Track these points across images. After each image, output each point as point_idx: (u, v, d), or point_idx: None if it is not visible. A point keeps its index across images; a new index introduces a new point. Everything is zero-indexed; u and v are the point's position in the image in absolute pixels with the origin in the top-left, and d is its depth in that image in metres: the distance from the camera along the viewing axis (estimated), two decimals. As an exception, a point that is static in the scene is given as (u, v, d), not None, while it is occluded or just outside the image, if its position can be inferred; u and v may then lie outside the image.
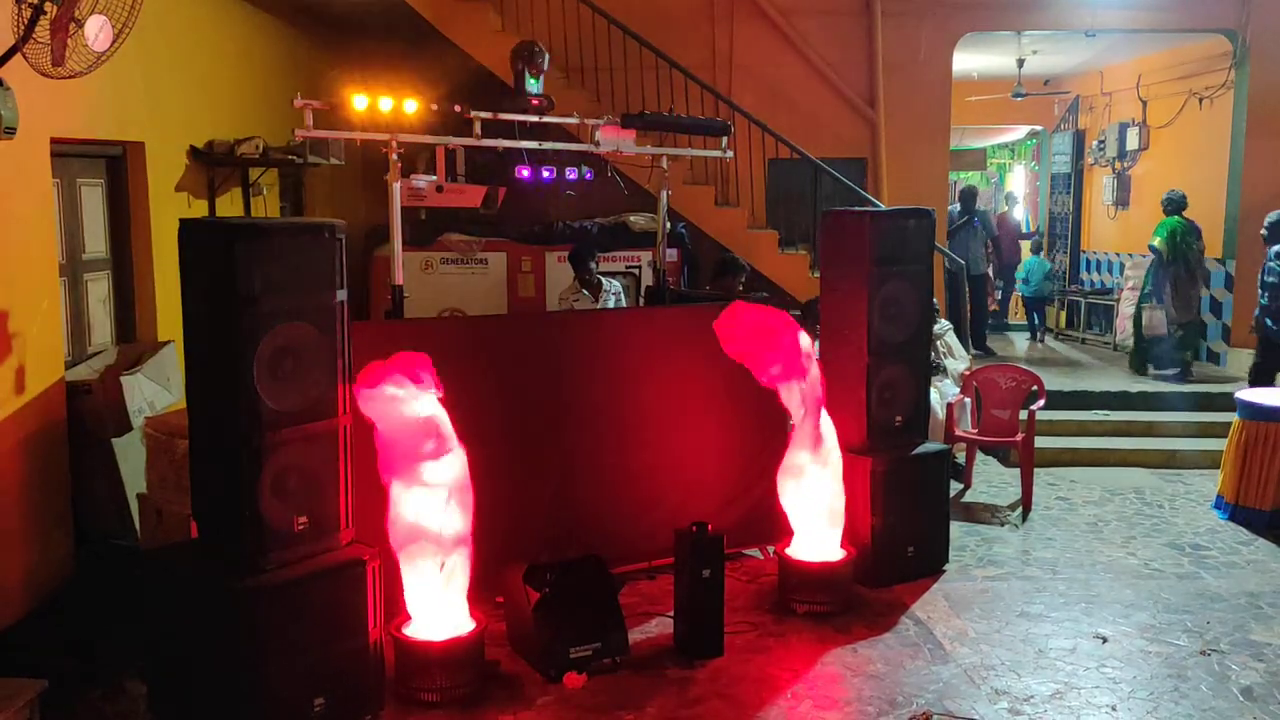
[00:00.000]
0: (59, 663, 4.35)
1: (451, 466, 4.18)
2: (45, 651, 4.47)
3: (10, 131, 4.44)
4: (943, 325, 8.55)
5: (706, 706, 4.27)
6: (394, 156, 4.95)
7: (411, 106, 4.93)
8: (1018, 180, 17.41)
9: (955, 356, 8.42)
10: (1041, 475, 7.50)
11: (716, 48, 9.78)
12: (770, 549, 5.77)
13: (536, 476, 5.22)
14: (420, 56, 8.93)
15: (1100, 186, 13.18)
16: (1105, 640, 4.95)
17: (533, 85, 5.59)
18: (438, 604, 4.29)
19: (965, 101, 13.00)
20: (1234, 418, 6.94)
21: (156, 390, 5.63)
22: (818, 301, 6.21)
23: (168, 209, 6.30)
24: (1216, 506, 6.99)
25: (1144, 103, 12.02)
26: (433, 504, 4.16)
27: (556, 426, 5.28)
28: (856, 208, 7.47)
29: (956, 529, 6.33)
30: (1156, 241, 9.84)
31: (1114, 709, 4.29)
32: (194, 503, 4.00)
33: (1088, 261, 13.62)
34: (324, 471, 3.95)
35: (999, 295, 13.49)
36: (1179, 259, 9.67)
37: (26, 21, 4.00)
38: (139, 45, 4.68)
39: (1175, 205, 9.83)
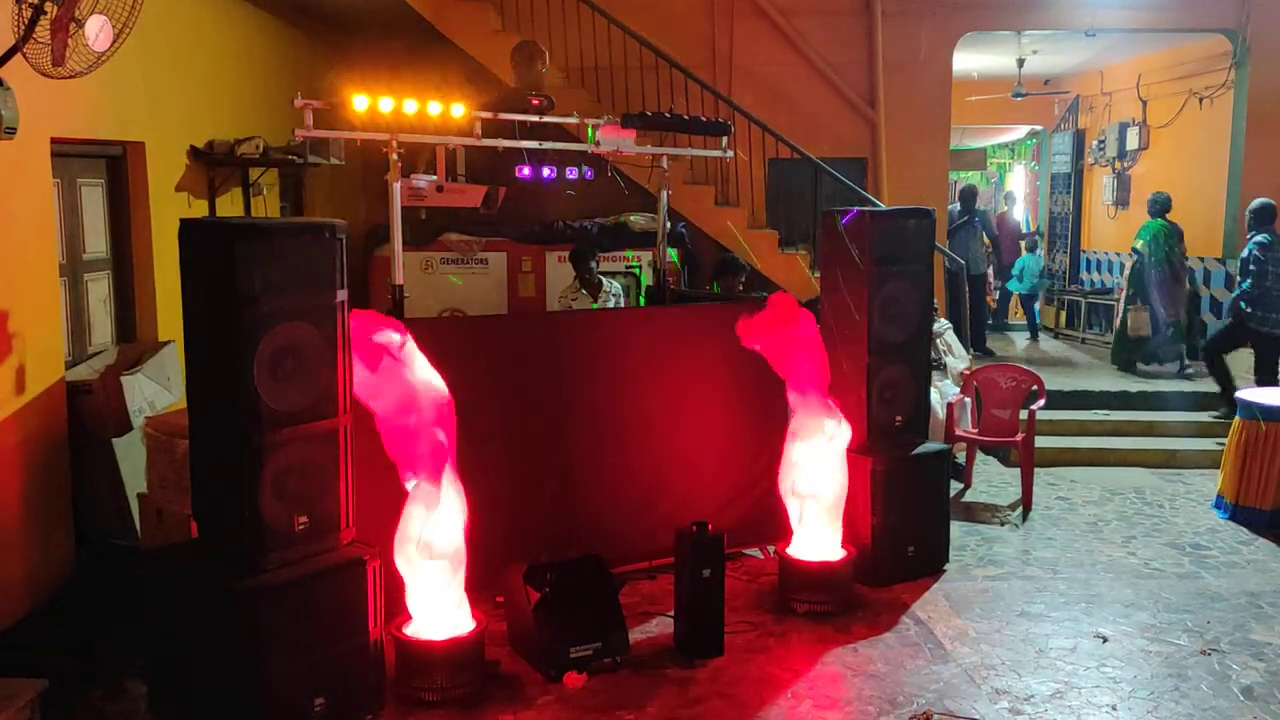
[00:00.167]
0: (59, 663, 4.34)
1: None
2: (45, 651, 4.47)
3: (10, 131, 4.44)
4: (942, 324, 8.55)
5: (707, 706, 4.27)
6: (394, 156, 4.95)
7: (412, 107, 4.93)
8: (1018, 180, 17.41)
9: (955, 355, 8.42)
10: (1042, 475, 7.50)
11: (716, 48, 9.79)
12: (771, 548, 5.77)
13: (537, 476, 5.22)
14: (420, 56, 8.94)
15: (1100, 186, 13.19)
16: (1105, 640, 4.95)
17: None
18: (438, 603, 4.29)
19: (965, 101, 13.00)
20: (1235, 417, 6.94)
21: (157, 390, 5.63)
22: (817, 302, 6.21)
23: (168, 209, 6.30)
24: (1217, 506, 6.99)
25: (1144, 102, 12.03)
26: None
27: (557, 426, 5.28)
28: (856, 207, 7.47)
29: (957, 529, 6.33)
30: (1139, 244, 9.98)
31: (1114, 708, 4.30)
32: (194, 503, 4.00)
33: (1088, 261, 13.62)
34: (324, 471, 3.95)
35: (998, 295, 13.50)
36: (1163, 261, 9.80)
37: (27, 21, 4.00)
38: (139, 45, 4.68)
39: (1160, 207, 9.96)
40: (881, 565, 5.53)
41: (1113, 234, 12.87)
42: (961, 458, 7.56)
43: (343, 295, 3.97)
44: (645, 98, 8.63)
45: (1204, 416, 8.59)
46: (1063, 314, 13.07)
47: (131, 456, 5.44)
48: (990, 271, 12.52)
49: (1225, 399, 8.35)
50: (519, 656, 4.63)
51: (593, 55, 8.77)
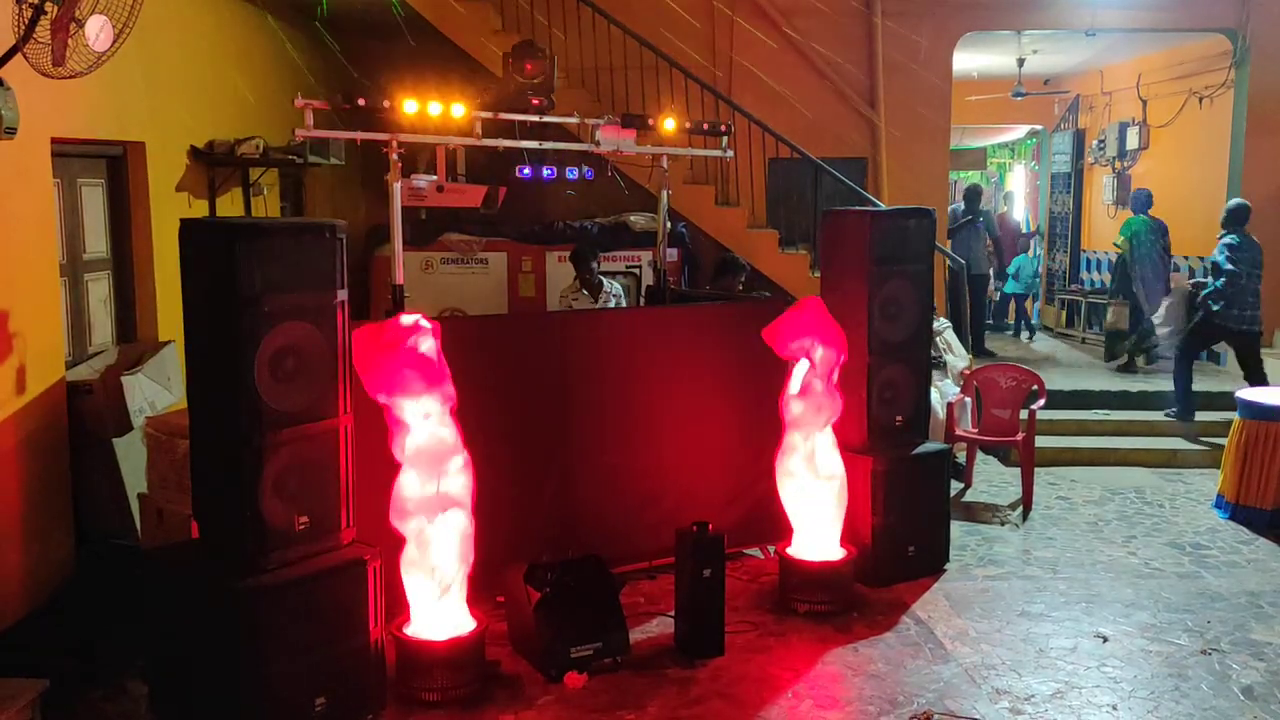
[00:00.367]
0: (60, 663, 4.34)
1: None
2: (46, 651, 4.47)
3: (11, 131, 4.44)
4: (941, 322, 8.56)
5: (707, 706, 4.27)
6: (394, 156, 4.95)
7: (426, 108, 4.95)
8: (1018, 180, 17.41)
9: (954, 354, 8.42)
10: (1042, 474, 7.50)
11: (716, 48, 9.79)
12: (771, 548, 5.77)
13: (537, 476, 5.22)
14: (421, 56, 8.94)
15: (1100, 186, 13.19)
16: (1106, 639, 4.95)
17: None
18: (438, 602, 4.29)
19: (965, 101, 13.00)
20: (1234, 417, 6.94)
21: (157, 390, 5.63)
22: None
23: (168, 209, 6.30)
24: (1217, 506, 6.99)
25: (1144, 102, 12.02)
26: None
27: (557, 426, 5.28)
28: (857, 207, 7.47)
29: (957, 528, 6.33)
30: (1119, 240, 10.20)
31: (1115, 708, 4.30)
32: (195, 502, 4.00)
33: (1087, 261, 13.62)
34: (325, 471, 3.95)
35: (998, 296, 13.51)
36: (1144, 257, 9.96)
37: (27, 21, 4.00)
38: (139, 45, 4.68)
39: (1138, 204, 10.24)
40: (882, 565, 5.53)
41: (1113, 233, 12.85)
42: (962, 457, 7.57)
43: (343, 295, 3.97)
44: (645, 98, 8.63)
45: (1204, 416, 8.58)
46: (1063, 314, 13.07)
47: (132, 456, 5.44)
48: (991, 272, 12.53)
49: (1178, 399, 8.53)
50: (519, 656, 4.63)
51: (593, 55, 8.77)
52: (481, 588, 4.59)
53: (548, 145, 5.64)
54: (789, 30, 9.77)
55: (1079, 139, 13.88)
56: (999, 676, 4.56)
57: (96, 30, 4.07)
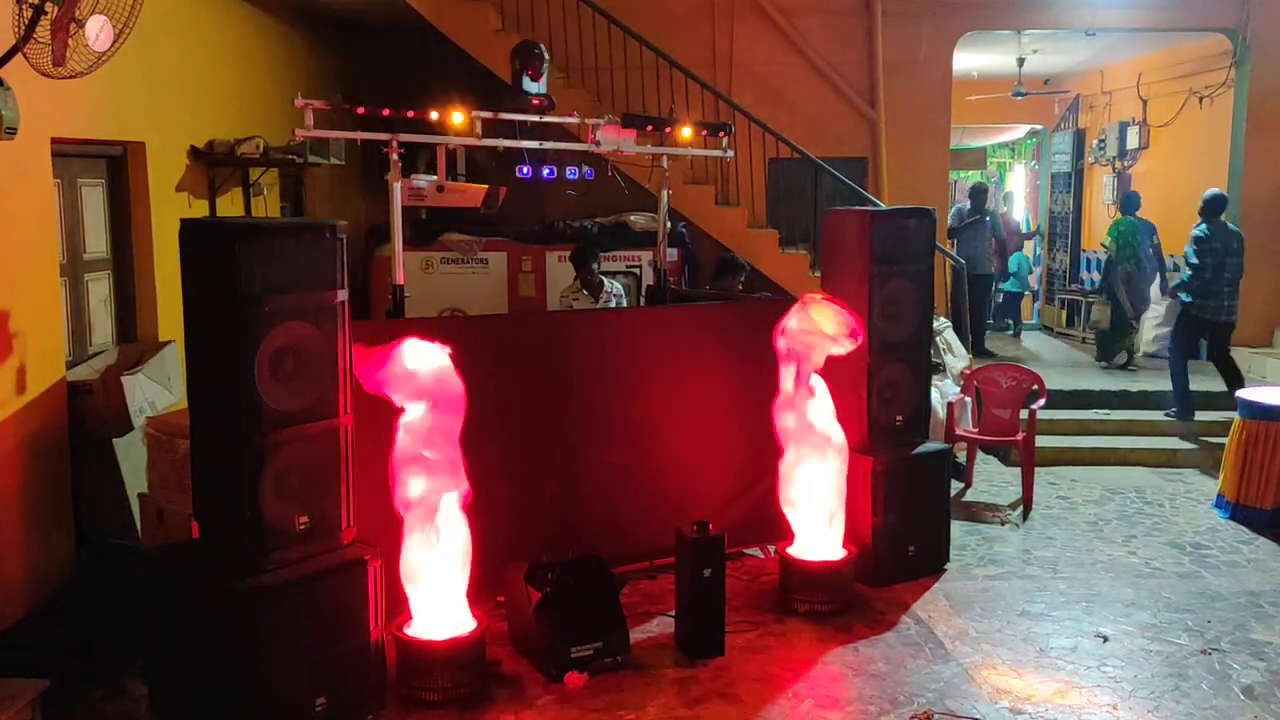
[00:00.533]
0: (60, 663, 4.34)
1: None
2: (46, 651, 4.47)
3: (11, 132, 4.44)
4: (941, 322, 8.56)
5: (707, 706, 4.27)
6: (395, 156, 4.95)
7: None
8: (1018, 179, 17.41)
9: (954, 354, 8.42)
10: (1042, 474, 7.50)
11: (716, 47, 9.79)
12: (771, 548, 5.77)
13: (538, 476, 5.22)
14: (420, 56, 8.95)
15: (1100, 185, 13.19)
16: (1106, 639, 4.95)
17: (531, 87, 5.58)
18: (439, 602, 4.29)
19: (965, 101, 13.00)
20: (1235, 417, 6.94)
21: (157, 390, 5.63)
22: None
23: (168, 209, 6.30)
24: (1217, 505, 6.99)
25: (1144, 102, 12.03)
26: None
27: (557, 426, 5.28)
28: (857, 207, 7.47)
29: (957, 528, 6.33)
30: (1107, 240, 10.33)
31: (1115, 708, 4.30)
32: (195, 502, 4.00)
33: (1087, 260, 13.62)
34: (325, 471, 3.95)
35: (1002, 298, 13.50)
36: (1129, 257, 10.04)
37: (27, 21, 4.00)
38: (139, 45, 4.68)
39: (1124, 205, 10.37)
40: (882, 565, 5.53)
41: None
42: (962, 457, 7.57)
43: (343, 295, 3.97)
44: (645, 98, 8.63)
45: (1205, 415, 8.59)
46: (1062, 313, 13.07)
47: (132, 456, 5.44)
48: (995, 272, 12.55)
49: (1177, 399, 8.59)
50: (520, 656, 4.63)
51: (593, 55, 8.77)
52: (482, 588, 4.59)
53: (548, 145, 5.64)
54: (789, 30, 9.77)
55: (1079, 139, 13.88)
56: (999, 676, 4.56)
57: (96, 30, 4.07)
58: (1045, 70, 13.17)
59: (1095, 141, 13.29)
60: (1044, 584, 5.69)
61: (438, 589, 4.29)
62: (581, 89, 8.95)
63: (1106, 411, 8.84)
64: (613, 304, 7.36)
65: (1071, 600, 5.44)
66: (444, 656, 4.23)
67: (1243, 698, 4.39)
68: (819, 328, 5.11)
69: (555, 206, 9.82)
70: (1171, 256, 10.63)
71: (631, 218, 9.56)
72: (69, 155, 5.53)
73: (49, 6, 3.98)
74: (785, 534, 5.42)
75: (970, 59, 11.62)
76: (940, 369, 7.90)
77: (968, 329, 9.43)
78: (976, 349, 10.16)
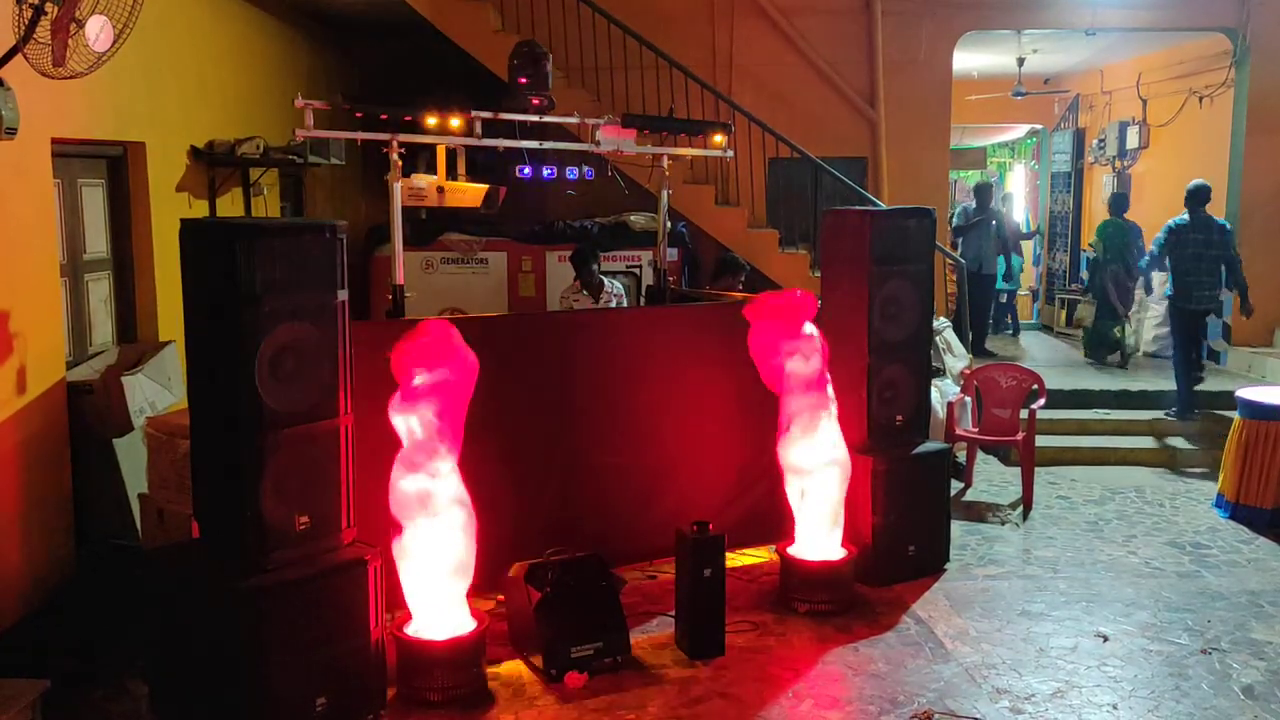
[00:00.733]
0: (60, 663, 4.35)
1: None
2: (46, 651, 4.48)
3: (11, 132, 4.44)
4: (941, 322, 8.55)
5: (708, 706, 4.27)
6: (395, 156, 4.95)
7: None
8: (1018, 179, 17.41)
9: (954, 354, 8.42)
10: (1042, 474, 7.50)
11: (716, 47, 9.79)
12: (771, 548, 5.77)
13: (538, 476, 5.22)
14: (420, 56, 8.95)
15: (1100, 185, 13.19)
16: (1106, 639, 4.95)
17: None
18: (439, 602, 4.30)
19: (965, 100, 13.00)
20: (1235, 416, 6.94)
21: (157, 390, 5.64)
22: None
23: (168, 209, 6.30)
24: (1217, 505, 6.99)
25: (1144, 101, 12.03)
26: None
27: (558, 426, 5.28)
28: (857, 207, 7.47)
29: (957, 528, 6.33)
30: (1093, 240, 10.55)
31: (1115, 707, 4.30)
32: (195, 503, 4.01)
33: (1087, 260, 13.61)
34: (325, 471, 3.95)
35: (1005, 298, 13.50)
36: (1116, 257, 10.15)
37: (27, 22, 4.00)
38: (139, 45, 4.68)
39: (1113, 206, 10.54)
40: (882, 564, 5.53)
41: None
42: (962, 457, 7.56)
43: (343, 295, 3.96)
44: (645, 98, 8.63)
45: (1205, 416, 8.59)
46: (1062, 313, 13.07)
47: (132, 456, 5.45)
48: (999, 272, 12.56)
49: (1179, 398, 8.62)
50: (520, 656, 4.64)
51: (593, 55, 8.77)
52: (482, 587, 4.59)
53: (548, 145, 5.64)
54: (789, 30, 9.77)
55: (1079, 138, 13.88)
56: (999, 676, 4.56)
57: (96, 30, 4.07)
58: (1045, 70, 13.17)
59: (1095, 141, 13.29)
60: (1044, 584, 5.69)
61: (438, 589, 4.29)
62: (581, 89, 8.95)
63: (1106, 411, 8.83)
64: (613, 304, 7.36)
65: (1071, 600, 5.44)
66: (444, 656, 4.23)
67: (1243, 697, 4.39)
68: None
69: (555, 206, 9.83)
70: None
71: (631, 218, 9.56)
72: (69, 155, 5.53)
73: (49, 7, 3.98)
74: (785, 534, 5.42)
75: (970, 59, 11.62)
76: (940, 370, 7.90)
77: (968, 328, 9.44)
78: (976, 349, 10.16)
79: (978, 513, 6.96)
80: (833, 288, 5.81)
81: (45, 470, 5.05)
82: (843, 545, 5.32)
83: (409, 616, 4.33)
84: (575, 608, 4.53)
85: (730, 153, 6.57)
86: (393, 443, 4.18)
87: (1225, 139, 10.28)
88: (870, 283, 5.56)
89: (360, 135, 5.08)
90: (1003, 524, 6.76)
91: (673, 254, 8.85)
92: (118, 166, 6.12)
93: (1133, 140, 12.16)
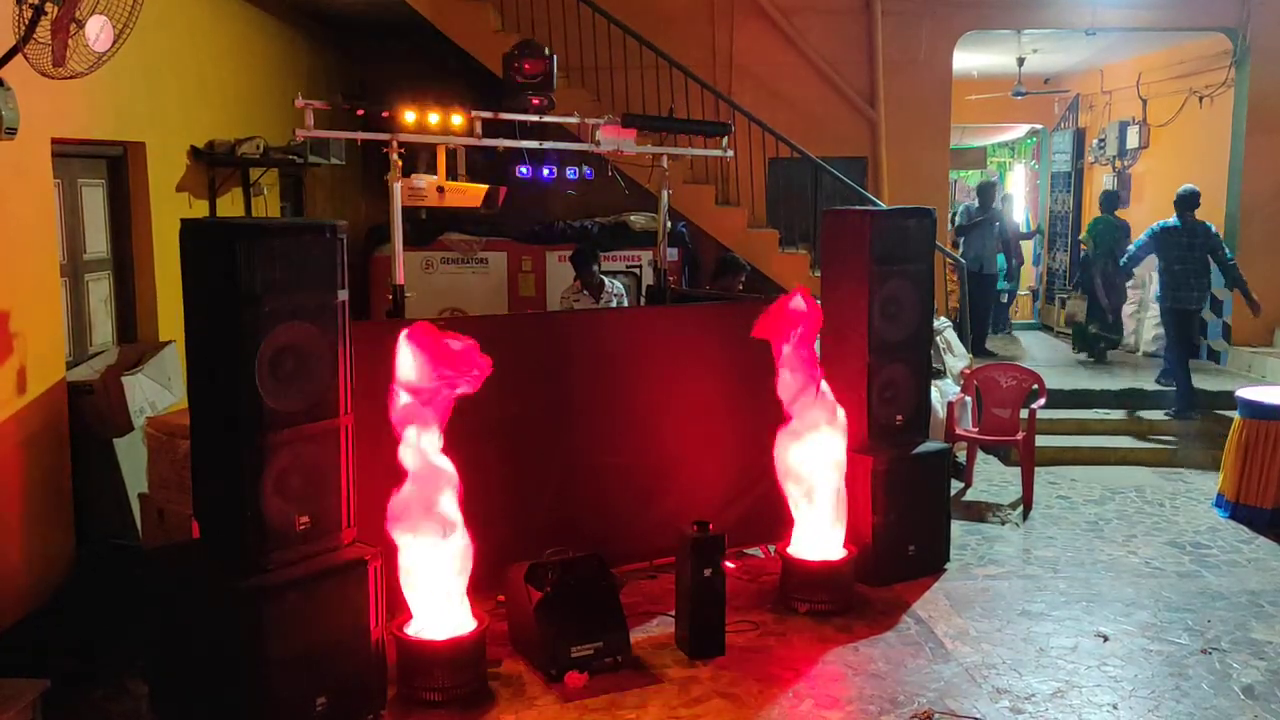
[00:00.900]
0: (60, 662, 4.35)
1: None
2: (46, 651, 4.47)
3: (11, 132, 4.44)
4: (941, 322, 8.56)
5: (708, 705, 4.27)
6: (395, 156, 4.95)
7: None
8: (1018, 179, 17.41)
9: (954, 354, 8.42)
10: (1042, 474, 7.50)
11: (716, 47, 9.79)
12: (771, 548, 5.77)
13: (538, 476, 5.22)
14: (420, 56, 8.95)
15: (1100, 185, 13.18)
16: (1106, 639, 4.95)
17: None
18: (439, 602, 4.29)
19: (965, 100, 12.99)
20: (1235, 416, 6.94)
21: (158, 390, 5.64)
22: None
23: (168, 209, 6.30)
24: (1217, 505, 6.99)
25: (1144, 101, 12.02)
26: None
27: (558, 426, 5.28)
28: (857, 207, 7.47)
29: (957, 528, 6.33)
30: (1083, 237, 10.84)
31: (1115, 707, 4.30)
32: (195, 503, 4.01)
33: (1081, 256, 13.61)
34: (326, 471, 3.95)
35: (1006, 298, 13.50)
36: (1106, 255, 10.30)
37: (27, 22, 4.00)
38: (139, 45, 4.68)
39: (1104, 204, 10.78)
40: (882, 564, 5.53)
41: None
42: (962, 457, 7.57)
43: (343, 295, 3.96)
44: (645, 98, 8.63)
45: (1205, 416, 8.59)
46: (1062, 312, 13.07)
47: (132, 456, 5.45)
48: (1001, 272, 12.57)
49: (1179, 397, 8.71)
50: (520, 656, 4.64)
51: (593, 55, 8.77)
52: (482, 587, 4.59)
53: (548, 145, 5.64)
54: (789, 30, 9.77)
55: (1079, 138, 13.88)
56: (999, 676, 4.56)
57: (96, 31, 4.07)
58: (1045, 70, 13.16)
59: (1095, 141, 13.28)
60: (1044, 583, 5.69)
61: (438, 589, 4.29)
62: (581, 89, 8.96)
63: (1106, 411, 8.84)
64: (614, 304, 7.36)
65: (1071, 600, 5.44)
66: (444, 656, 4.23)
67: (1243, 697, 4.39)
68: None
69: (555, 206, 9.83)
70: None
71: (631, 218, 9.56)
72: (69, 155, 5.53)
73: (49, 7, 3.98)
74: (785, 533, 5.42)
75: (970, 58, 11.62)
76: (940, 370, 7.90)
77: (967, 329, 9.44)
78: (977, 349, 10.17)
79: (978, 512, 6.96)
80: (833, 288, 5.81)
81: (45, 470, 5.05)
82: (843, 545, 5.32)
83: (409, 616, 4.33)
84: (575, 608, 4.53)
85: (730, 153, 6.57)
86: (393, 442, 4.17)
87: (1225, 139, 10.28)
88: (870, 283, 5.56)
89: (360, 135, 5.08)
90: (1003, 524, 6.76)
91: (673, 254, 8.86)
92: (118, 166, 6.12)
93: (1133, 140, 12.16)
